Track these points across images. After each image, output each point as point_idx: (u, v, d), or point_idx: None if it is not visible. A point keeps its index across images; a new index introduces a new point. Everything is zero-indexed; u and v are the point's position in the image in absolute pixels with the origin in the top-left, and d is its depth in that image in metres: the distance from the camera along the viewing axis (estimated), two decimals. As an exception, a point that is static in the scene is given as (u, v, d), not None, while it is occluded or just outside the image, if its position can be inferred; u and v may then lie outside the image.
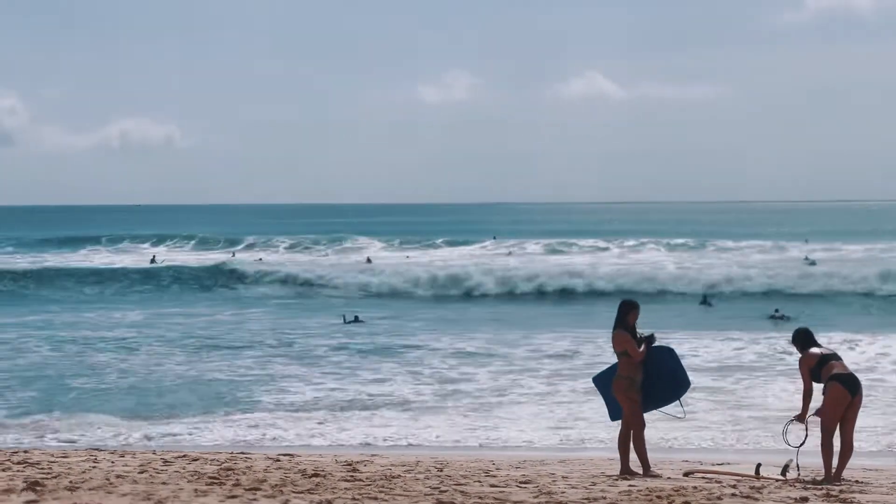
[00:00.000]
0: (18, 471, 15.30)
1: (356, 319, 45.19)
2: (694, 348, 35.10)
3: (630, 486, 14.69)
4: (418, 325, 45.09)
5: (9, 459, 16.68)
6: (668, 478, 15.65)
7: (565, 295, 58.02)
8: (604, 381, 16.31)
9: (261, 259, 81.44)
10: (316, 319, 46.82)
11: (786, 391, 27.19)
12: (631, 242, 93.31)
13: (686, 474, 16.07)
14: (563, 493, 14.08)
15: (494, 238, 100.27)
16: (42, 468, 15.67)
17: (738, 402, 26.51)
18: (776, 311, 47.65)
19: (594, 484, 14.92)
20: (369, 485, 14.49)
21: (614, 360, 15.99)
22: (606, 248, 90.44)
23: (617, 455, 16.11)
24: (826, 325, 38.93)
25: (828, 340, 29.86)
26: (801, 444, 15.52)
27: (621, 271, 64.18)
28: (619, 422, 16.00)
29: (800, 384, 15.54)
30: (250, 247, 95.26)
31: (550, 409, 25.98)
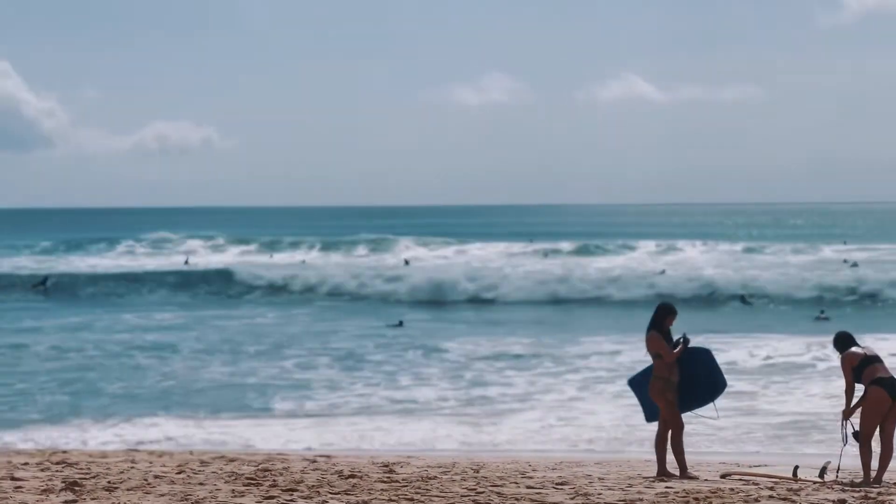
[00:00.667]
0: (57, 471, 15.39)
1: (400, 324, 45.17)
2: (734, 349, 34.93)
3: (667, 487, 14.65)
4: (460, 327, 45.05)
5: (48, 460, 16.78)
6: (706, 480, 15.59)
7: (605, 299, 57.43)
8: (639, 383, 16.26)
9: (304, 261, 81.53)
10: (357, 322, 46.79)
11: (826, 393, 27.07)
12: (666, 243, 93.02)
13: (723, 476, 16.01)
14: (600, 494, 14.05)
15: (532, 241, 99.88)
16: (80, 468, 15.76)
17: (777, 404, 26.39)
18: (821, 312, 47.42)
19: (631, 485, 14.89)
20: (406, 486, 14.50)
21: (650, 361, 15.97)
22: (639, 249, 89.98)
23: (653, 456, 16.07)
24: (870, 328, 38.66)
25: (872, 342, 29.68)
26: (847, 443, 15.39)
27: (657, 274, 64.05)
28: (656, 424, 15.96)
29: (839, 384, 15.46)
30: (290, 247, 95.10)
31: (587, 411, 25.94)
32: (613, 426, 24.03)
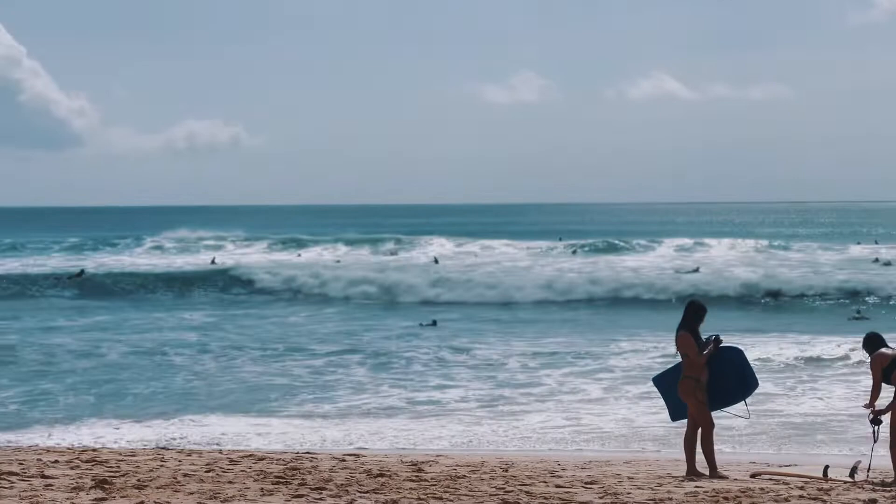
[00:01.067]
0: (87, 469, 15.44)
1: (433, 323, 45.15)
2: (766, 348, 34.76)
3: (696, 487, 14.61)
4: (492, 326, 45.00)
5: (78, 458, 16.83)
6: (735, 479, 15.55)
7: (638, 297, 56.84)
8: (664, 382, 16.22)
9: (339, 261, 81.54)
10: (389, 322, 46.75)
11: (855, 394, 26.95)
12: (694, 241, 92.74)
13: (753, 476, 15.96)
14: (629, 493, 14.03)
15: (560, 239, 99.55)
16: (110, 466, 15.81)
17: (808, 404, 26.28)
18: (857, 311, 47.20)
19: (660, 485, 14.86)
20: (434, 485, 14.51)
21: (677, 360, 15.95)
22: (668, 246, 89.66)
23: (682, 456, 16.02)
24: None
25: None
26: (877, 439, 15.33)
27: (690, 272, 63.84)
28: (685, 423, 15.91)
29: (867, 384, 15.41)
30: (318, 245, 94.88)
31: (614, 410, 25.89)
32: (640, 425, 23.95)
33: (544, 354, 35.21)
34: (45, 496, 12.92)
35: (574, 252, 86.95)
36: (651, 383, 17.78)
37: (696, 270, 65.12)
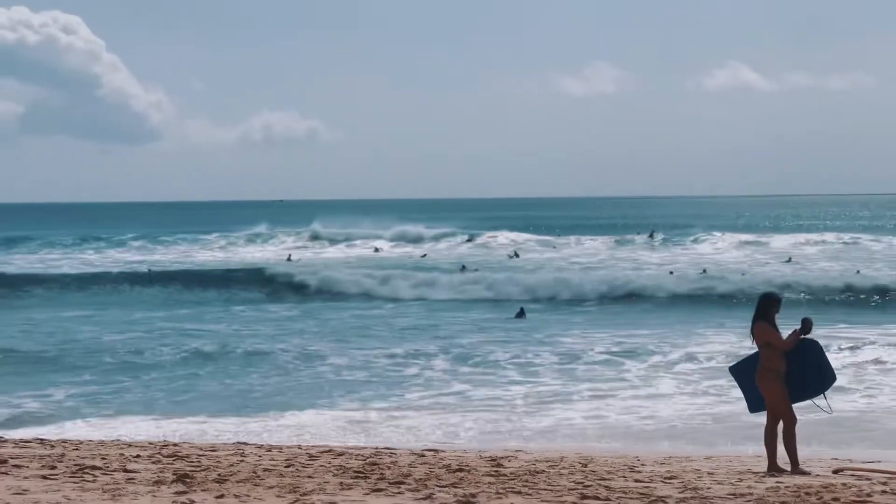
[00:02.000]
0: (168, 463, 15.57)
1: (521, 313, 45.12)
2: (843, 342, 34.41)
3: (777, 482, 14.49)
4: (579, 320, 44.83)
5: (159, 453, 16.98)
6: (817, 475, 15.41)
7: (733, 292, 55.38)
8: (742, 372, 16.09)
9: (425, 255, 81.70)
10: (473, 315, 46.57)
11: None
12: (770, 237, 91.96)
13: (835, 472, 15.80)
14: (709, 488, 13.94)
15: (652, 234, 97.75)
16: (191, 461, 15.94)
17: (889, 399, 25.98)
18: None
19: (740, 480, 14.75)
20: (513, 479, 14.49)
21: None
22: (758, 243, 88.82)
23: (763, 451, 15.89)
24: None
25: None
26: None
27: (783, 262, 63.33)
28: (765, 418, 15.78)
29: None
30: (395, 240, 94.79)
31: (691, 402, 25.75)
32: (718, 418, 23.79)
33: (628, 347, 34.99)
34: (127, 490, 13.04)
35: (654, 238, 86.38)
36: (728, 375, 17.64)
37: (789, 260, 64.64)
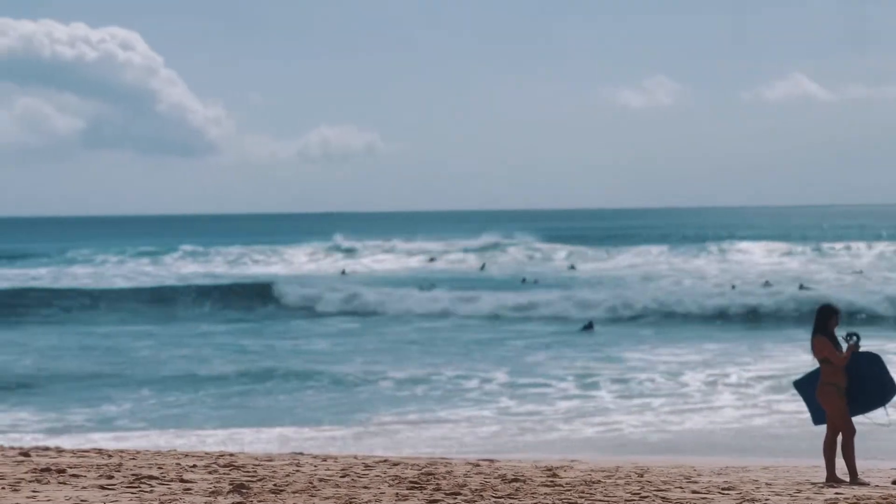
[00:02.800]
0: (224, 473, 15.63)
1: (590, 325, 45.04)
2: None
3: (836, 493, 14.37)
4: (646, 332, 44.73)
5: (215, 462, 17.04)
6: (876, 486, 15.26)
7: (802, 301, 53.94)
8: (805, 386, 15.98)
9: (484, 265, 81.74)
10: (537, 328, 46.30)
11: None
12: (833, 245, 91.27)
13: (894, 482, 15.66)
14: (767, 500, 13.84)
15: (716, 243, 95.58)
16: (247, 471, 15.98)
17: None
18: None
19: (799, 491, 14.63)
20: (569, 490, 14.43)
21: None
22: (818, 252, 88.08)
23: (822, 462, 15.76)
24: None
25: None
26: None
27: (855, 273, 62.86)
28: (824, 429, 15.66)
29: None
30: (456, 253, 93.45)
31: (748, 413, 25.60)
32: (767, 429, 23.64)
33: (688, 360, 34.77)
34: (184, 500, 13.09)
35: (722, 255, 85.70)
36: (791, 387, 17.51)
37: (860, 273, 64.23)
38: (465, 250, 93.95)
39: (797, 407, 24.27)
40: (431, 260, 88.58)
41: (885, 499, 13.79)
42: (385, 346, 40.74)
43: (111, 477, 14.90)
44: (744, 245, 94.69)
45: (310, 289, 60.47)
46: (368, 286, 61.98)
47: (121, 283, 70.92)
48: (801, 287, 56.99)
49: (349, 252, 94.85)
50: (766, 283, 60.36)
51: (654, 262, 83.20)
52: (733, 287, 58.31)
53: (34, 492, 13.52)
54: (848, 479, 15.40)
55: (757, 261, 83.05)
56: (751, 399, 27.95)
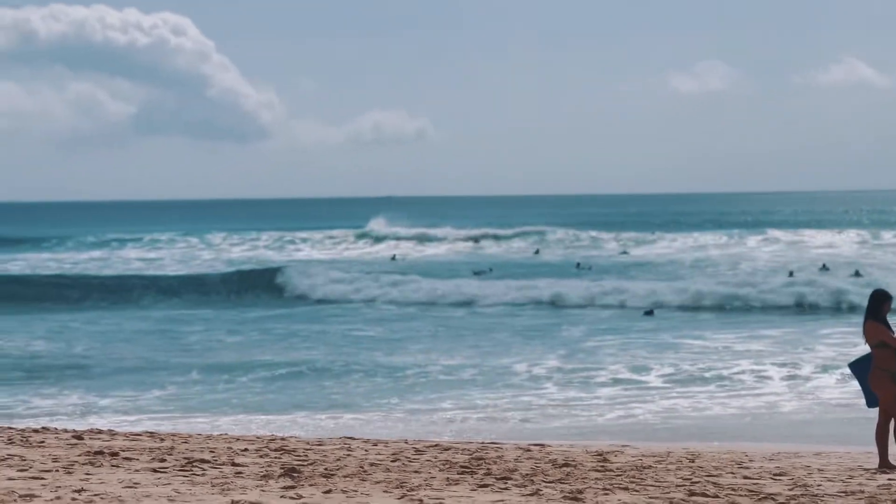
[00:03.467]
0: (276, 457, 15.69)
1: (650, 312, 44.98)
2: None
3: (889, 479, 14.28)
4: (705, 316, 44.55)
5: (266, 447, 17.12)
6: (930, 472, 15.15)
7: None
8: (860, 368, 15.86)
9: (538, 251, 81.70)
10: (596, 314, 46.15)
11: None
12: (891, 232, 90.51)
13: (949, 469, 15.53)
14: (819, 486, 13.77)
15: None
16: (298, 455, 16.04)
17: None
18: None
19: (851, 477, 14.55)
20: (620, 475, 14.41)
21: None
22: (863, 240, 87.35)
23: (875, 448, 15.65)
24: None
25: None
26: None
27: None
28: (877, 414, 15.54)
29: None
30: (511, 239, 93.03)
31: (801, 397, 25.47)
32: (819, 413, 23.46)
33: (752, 347, 34.55)
34: (235, 483, 13.16)
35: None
36: (845, 371, 17.43)
37: None
38: (517, 235, 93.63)
39: (851, 394, 24.18)
40: (476, 241, 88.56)
41: (939, 485, 13.69)
42: (438, 333, 40.69)
43: (163, 460, 15.00)
44: (799, 231, 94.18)
45: (359, 274, 60.50)
46: (420, 273, 61.84)
47: (172, 269, 71.28)
48: (857, 273, 56.51)
49: (398, 239, 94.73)
50: (824, 268, 60.00)
51: (706, 247, 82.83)
52: (791, 274, 57.60)
53: (87, 475, 13.62)
54: (901, 465, 15.30)
55: (813, 246, 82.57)
56: (804, 385, 27.76)
